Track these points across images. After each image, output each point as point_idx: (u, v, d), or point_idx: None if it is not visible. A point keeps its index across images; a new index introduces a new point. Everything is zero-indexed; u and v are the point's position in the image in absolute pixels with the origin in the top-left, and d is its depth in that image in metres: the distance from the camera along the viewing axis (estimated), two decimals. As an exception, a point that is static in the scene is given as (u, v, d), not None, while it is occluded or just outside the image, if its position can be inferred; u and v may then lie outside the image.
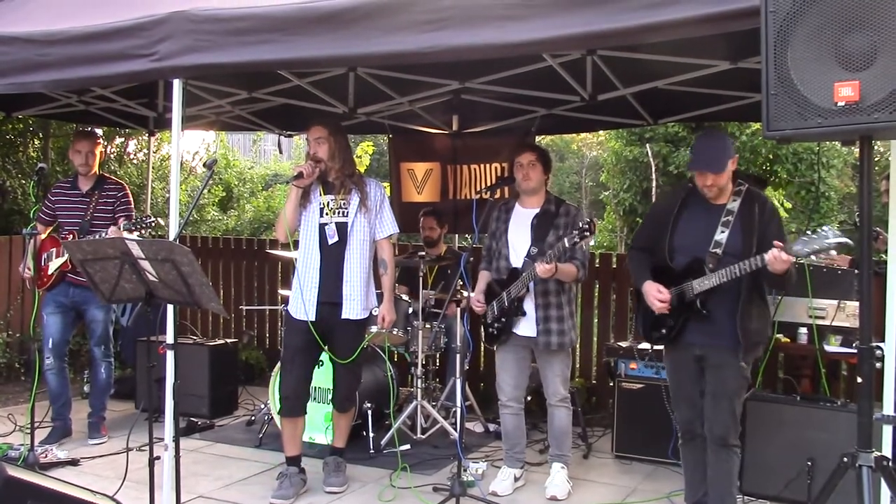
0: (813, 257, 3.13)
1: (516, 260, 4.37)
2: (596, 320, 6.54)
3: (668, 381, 3.90)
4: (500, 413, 4.57)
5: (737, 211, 3.52)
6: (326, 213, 4.31)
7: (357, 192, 4.33)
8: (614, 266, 6.50)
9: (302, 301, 4.24)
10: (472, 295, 4.56)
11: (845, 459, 2.47)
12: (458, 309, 5.05)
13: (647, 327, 3.81)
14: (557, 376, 4.40)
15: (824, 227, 3.08)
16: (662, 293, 3.57)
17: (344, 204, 4.33)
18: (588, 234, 3.91)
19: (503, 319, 4.41)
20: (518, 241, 4.40)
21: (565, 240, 3.99)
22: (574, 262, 4.25)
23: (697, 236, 3.56)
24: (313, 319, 4.23)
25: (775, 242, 3.20)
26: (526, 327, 4.36)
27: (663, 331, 3.67)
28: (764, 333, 3.60)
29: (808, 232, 3.10)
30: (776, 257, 3.15)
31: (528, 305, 4.33)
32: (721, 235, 3.50)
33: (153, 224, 4.90)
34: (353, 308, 4.29)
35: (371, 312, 4.46)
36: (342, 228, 4.29)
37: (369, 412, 5.10)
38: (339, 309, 4.27)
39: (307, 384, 4.40)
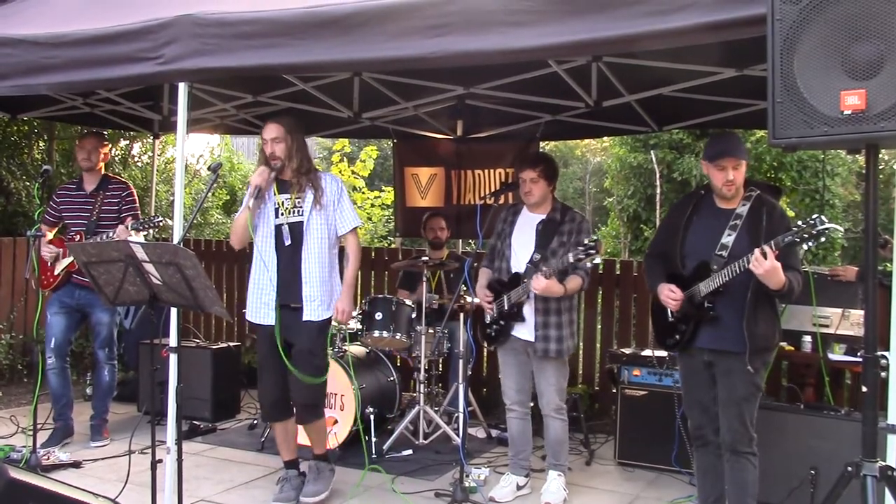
0: (804, 245, 3.15)
1: (517, 265, 4.36)
2: (599, 326, 6.53)
3: (681, 387, 3.89)
4: (507, 417, 4.55)
5: (745, 215, 3.54)
6: (282, 214, 4.18)
7: (311, 189, 4.18)
8: (618, 272, 6.48)
9: (261, 305, 4.15)
10: (473, 299, 4.54)
11: (849, 469, 2.47)
12: (462, 314, 5.04)
13: (660, 334, 3.81)
14: (552, 386, 4.33)
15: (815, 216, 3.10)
16: (675, 292, 3.60)
17: (299, 203, 4.17)
18: (594, 252, 3.90)
19: (502, 322, 4.40)
20: (521, 245, 4.38)
21: (569, 255, 3.99)
22: (578, 272, 4.23)
23: (706, 241, 3.57)
24: (273, 323, 4.09)
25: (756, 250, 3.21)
26: (524, 331, 4.34)
27: (676, 336, 3.68)
28: (771, 339, 3.58)
29: (800, 222, 3.13)
30: (758, 257, 3.18)
31: (528, 311, 4.31)
32: (728, 238, 3.51)
33: (160, 224, 4.90)
34: (314, 310, 4.13)
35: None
36: (297, 228, 4.16)
37: (371, 417, 5.09)
38: (300, 312, 4.13)
39: (283, 388, 4.18)
